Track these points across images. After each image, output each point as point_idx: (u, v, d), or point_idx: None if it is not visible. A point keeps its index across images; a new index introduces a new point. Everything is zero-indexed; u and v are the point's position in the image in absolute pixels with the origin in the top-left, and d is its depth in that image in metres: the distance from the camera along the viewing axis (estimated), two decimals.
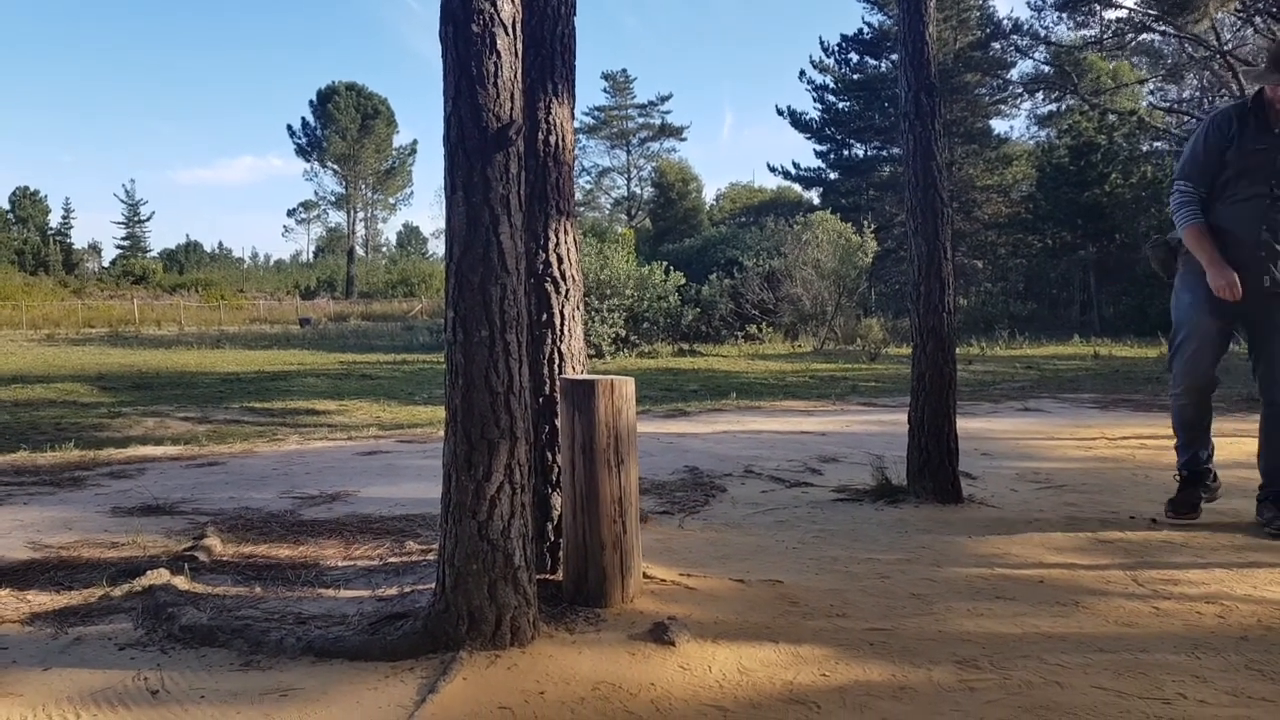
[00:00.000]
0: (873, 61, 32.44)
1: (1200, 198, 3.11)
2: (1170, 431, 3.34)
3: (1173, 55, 28.08)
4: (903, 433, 3.81)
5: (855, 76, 32.93)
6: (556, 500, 2.52)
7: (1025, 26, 26.09)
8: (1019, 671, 1.91)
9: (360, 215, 63.22)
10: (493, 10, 1.99)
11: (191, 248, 67.61)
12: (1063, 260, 27.26)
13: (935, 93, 3.77)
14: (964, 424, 3.99)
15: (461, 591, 2.01)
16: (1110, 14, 23.28)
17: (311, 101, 57.77)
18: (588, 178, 51.70)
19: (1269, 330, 3.10)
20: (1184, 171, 3.16)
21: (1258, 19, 21.64)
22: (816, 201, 33.94)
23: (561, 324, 2.57)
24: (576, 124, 2.77)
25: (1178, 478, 3.31)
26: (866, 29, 32.12)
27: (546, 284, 2.56)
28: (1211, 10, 19.38)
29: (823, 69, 33.56)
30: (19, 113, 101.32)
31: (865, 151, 33.45)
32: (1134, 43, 25.28)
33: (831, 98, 33.47)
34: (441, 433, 2.08)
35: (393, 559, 2.83)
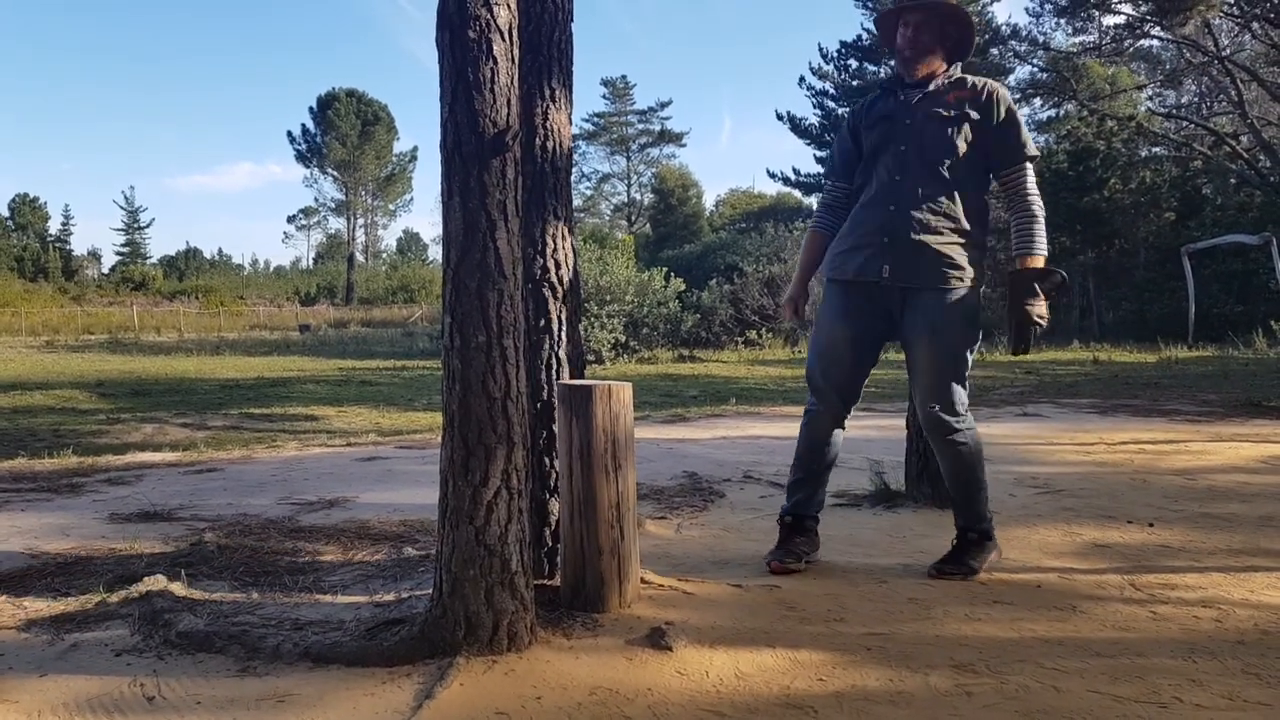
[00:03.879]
0: (872, 67, 32.49)
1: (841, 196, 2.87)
2: (1168, 436, 3.32)
3: (1171, 61, 28.17)
4: (901, 438, 3.81)
5: (854, 83, 32.99)
6: (554, 506, 2.52)
7: (1024, 32, 26.16)
8: (1016, 676, 1.91)
9: (360, 221, 63.29)
10: (489, 16, 2.00)
11: (191, 254, 67.64)
12: (1062, 265, 27.17)
13: None
14: None
15: (458, 597, 2.00)
16: (1109, 20, 23.39)
17: (311, 108, 57.92)
18: (588, 184, 51.87)
19: (907, 332, 2.65)
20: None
21: (1255, 24, 21.70)
22: (816, 207, 33.99)
23: (559, 329, 2.58)
24: (576, 130, 2.78)
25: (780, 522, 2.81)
26: (865, 35, 32.19)
27: (544, 289, 2.56)
28: (1199, 14, 19.40)
29: (822, 75, 33.62)
30: (18, 120, 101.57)
31: None
32: (1132, 48, 25.35)
33: (831, 104, 33.53)
34: (440, 438, 2.09)
35: (390, 564, 2.83)
